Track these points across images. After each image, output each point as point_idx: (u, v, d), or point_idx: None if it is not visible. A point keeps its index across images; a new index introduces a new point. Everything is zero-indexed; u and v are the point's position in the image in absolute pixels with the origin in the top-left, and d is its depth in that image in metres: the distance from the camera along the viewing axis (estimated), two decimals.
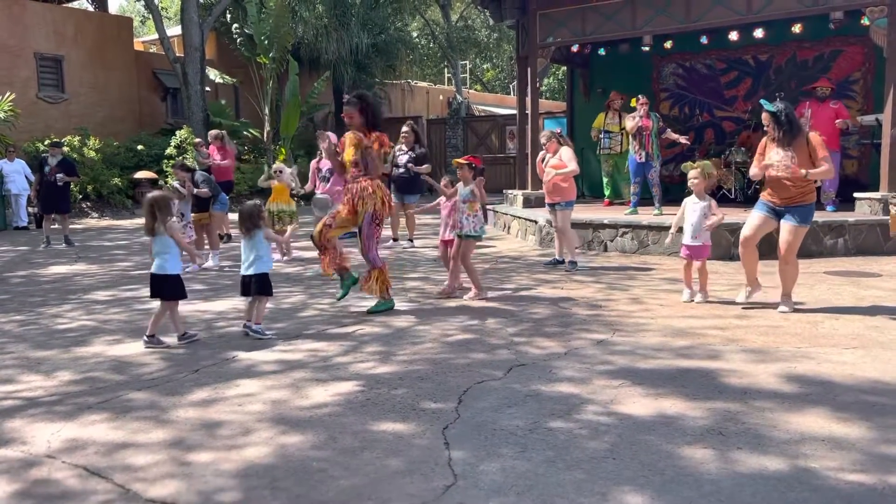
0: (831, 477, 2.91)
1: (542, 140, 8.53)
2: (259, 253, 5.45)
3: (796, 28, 11.49)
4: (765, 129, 5.99)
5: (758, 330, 5.33)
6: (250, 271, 5.42)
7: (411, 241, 10.74)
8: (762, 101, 6.02)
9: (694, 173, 6.32)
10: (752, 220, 6.09)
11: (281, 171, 9.35)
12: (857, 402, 3.76)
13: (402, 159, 10.40)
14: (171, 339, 5.22)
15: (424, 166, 10.39)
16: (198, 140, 12.47)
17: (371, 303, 6.27)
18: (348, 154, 6.13)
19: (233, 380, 4.33)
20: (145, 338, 5.17)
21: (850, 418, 3.53)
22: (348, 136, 6.17)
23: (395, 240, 10.80)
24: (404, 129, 10.59)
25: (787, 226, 5.86)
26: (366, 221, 6.10)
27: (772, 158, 5.89)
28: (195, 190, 8.64)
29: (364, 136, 6.10)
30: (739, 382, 4.11)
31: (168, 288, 5.18)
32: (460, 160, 6.77)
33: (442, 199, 7.15)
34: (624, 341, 5.07)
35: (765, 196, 6.05)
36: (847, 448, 3.18)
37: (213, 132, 11.93)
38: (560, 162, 8.15)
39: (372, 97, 6.38)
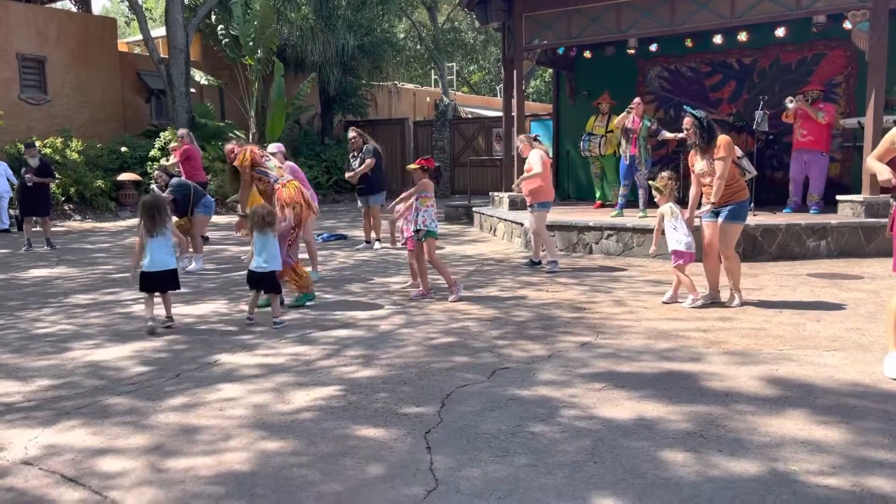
0: (810, 480, 2.92)
1: (518, 144, 8.69)
2: (272, 251, 5.82)
3: (779, 32, 11.56)
4: (685, 132, 6.29)
5: (740, 332, 5.35)
6: (262, 268, 5.78)
7: (379, 240, 10.82)
8: (686, 107, 6.36)
9: (653, 191, 6.58)
10: (704, 229, 6.33)
11: None
12: (838, 405, 3.78)
13: (355, 164, 10.50)
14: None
15: (366, 163, 10.28)
16: (173, 146, 12.21)
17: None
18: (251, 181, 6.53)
19: (214, 384, 4.29)
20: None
21: (830, 421, 3.54)
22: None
23: (367, 242, 10.91)
24: (351, 133, 10.61)
25: (723, 223, 6.17)
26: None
27: (697, 168, 6.23)
28: (162, 194, 8.56)
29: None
30: (721, 385, 4.12)
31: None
32: (413, 165, 6.92)
33: (400, 206, 7.24)
34: (607, 344, 5.08)
35: (705, 200, 6.33)
36: (827, 451, 3.20)
37: (181, 130, 11.66)
38: (528, 165, 8.30)
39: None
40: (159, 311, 5.73)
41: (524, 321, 5.84)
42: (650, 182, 6.74)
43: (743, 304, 6.22)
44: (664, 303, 6.39)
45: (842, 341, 5.05)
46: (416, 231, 6.79)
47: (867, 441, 3.30)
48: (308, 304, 6.60)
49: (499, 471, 3.04)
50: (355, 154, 10.55)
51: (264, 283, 5.85)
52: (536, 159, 8.27)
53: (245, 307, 6.16)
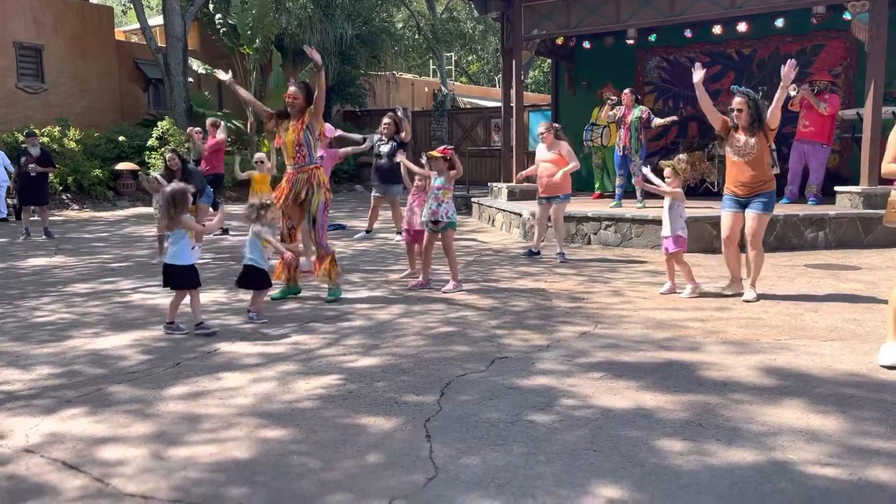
0: (808, 469, 2.94)
1: (541, 130, 8.55)
2: (257, 247, 5.74)
3: (779, 22, 11.56)
4: (734, 113, 6.01)
5: (738, 322, 5.38)
6: (250, 262, 5.74)
7: (399, 233, 10.74)
8: (734, 88, 6.13)
9: (668, 171, 6.45)
10: (725, 220, 6.25)
11: (262, 162, 9.73)
12: (835, 394, 3.80)
13: (384, 149, 10.33)
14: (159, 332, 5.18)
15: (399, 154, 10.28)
16: (198, 129, 11.95)
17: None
18: (290, 135, 6.19)
19: (214, 373, 4.30)
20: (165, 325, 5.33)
21: (828, 411, 3.56)
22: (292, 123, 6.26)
23: (367, 232, 10.84)
24: (385, 119, 10.51)
25: (751, 214, 6.04)
26: (319, 210, 6.26)
27: (735, 144, 6.03)
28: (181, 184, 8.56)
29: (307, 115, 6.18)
30: (719, 375, 4.14)
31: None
32: (434, 153, 6.87)
33: (417, 179, 7.25)
34: (605, 333, 5.09)
35: (728, 189, 6.20)
36: (824, 440, 3.22)
37: (214, 119, 11.82)
38: (559, 157, 8.24)
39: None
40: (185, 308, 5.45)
41: (523, 311, 5.85)
42: (663, 161, 6.66)
43: (759, 297, 6.09)
44: (662, 294, 6.40)
45: (839, 331, 5.07)
46: (436, 223, 6.74)
47: (864, 430, 3.32)
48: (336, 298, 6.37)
49: (498, 459, 3.05)
50: (384, 139, 10.35)
51: (249, 279, 5.69)
52: (571, 152, 8.26)
53: (245, 297, 6.16)
